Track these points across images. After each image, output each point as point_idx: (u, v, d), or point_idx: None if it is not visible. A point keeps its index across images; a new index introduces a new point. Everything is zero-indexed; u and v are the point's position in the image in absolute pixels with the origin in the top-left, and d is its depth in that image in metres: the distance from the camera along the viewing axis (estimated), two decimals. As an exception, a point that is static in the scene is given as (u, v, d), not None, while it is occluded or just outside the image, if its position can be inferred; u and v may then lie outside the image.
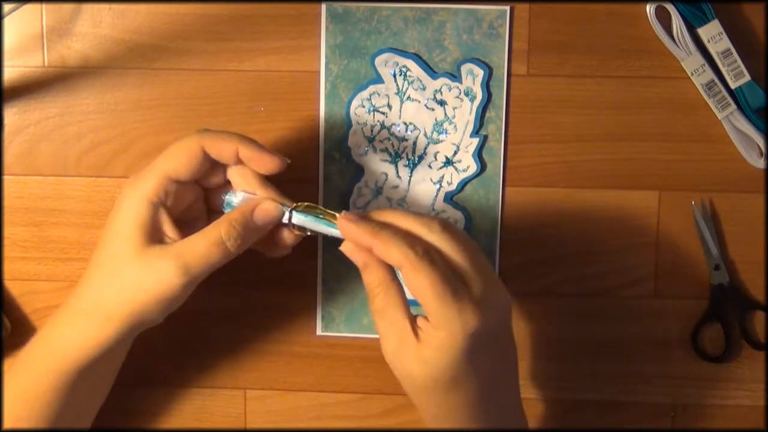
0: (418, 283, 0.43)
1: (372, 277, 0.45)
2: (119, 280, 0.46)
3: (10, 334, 0.58)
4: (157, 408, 0.59)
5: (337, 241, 0.47)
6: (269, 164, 0.48)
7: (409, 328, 0.44)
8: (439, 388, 0.45)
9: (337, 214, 0.47)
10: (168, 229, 0.47)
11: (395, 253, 0.43)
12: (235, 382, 0.59)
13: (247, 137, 0.48)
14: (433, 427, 0.48)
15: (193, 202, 0.50)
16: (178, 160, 0.47)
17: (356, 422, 0.59)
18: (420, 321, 0.45)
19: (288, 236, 0.49)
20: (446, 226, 0.45)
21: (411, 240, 0.44)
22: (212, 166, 0.49)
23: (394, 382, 0.58)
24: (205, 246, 0.46)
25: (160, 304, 0.46)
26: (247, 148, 0.47)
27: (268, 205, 0.48)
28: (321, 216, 0.48)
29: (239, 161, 0.48)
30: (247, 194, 0.49)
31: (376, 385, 0.59)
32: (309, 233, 0.49)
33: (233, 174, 0.50)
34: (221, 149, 0.48)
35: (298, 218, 0.48)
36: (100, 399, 0.52)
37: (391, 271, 0.45)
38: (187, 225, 0.49)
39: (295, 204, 0.49)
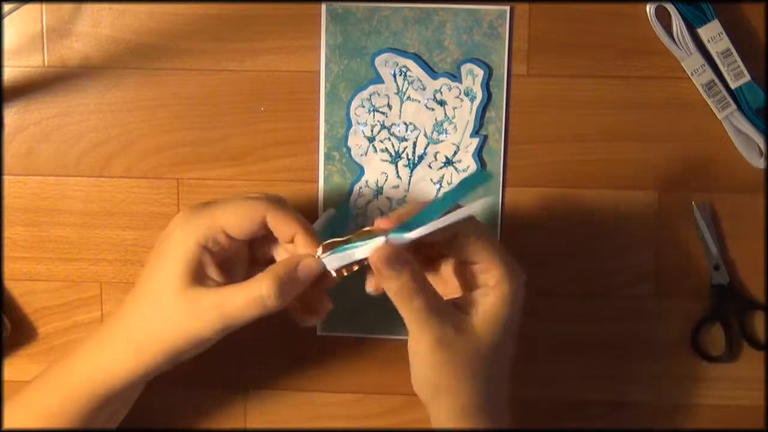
0: (489, 242, 0.46)
1: (408, 278, 0.45)
2: (160, 316, 0.47)
3: (10, 334, 0.58)
4: (156, 408, 0.58)
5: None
6: (306, 269, 0.47)
7: (457, 310, 0.47)
8: (491, 353, 0.46)
9: (368, 227, 0.46)
10: (212, 271, 0.48)
11: (470, 223, 0.46)
12: (236, 382, 0.59)
13: (309, 227, 0.47)
14: (443, 425, 0.48)
15: (238, 250, 0.49)
16: (237, 219, 0.47)
17: (356, 422, 0.59)
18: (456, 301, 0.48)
19: (331, 280, 0.48)
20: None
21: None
22: (268, 232, 0.48)
23: (394, 382, 0.59)
24: (246, 301, 0.46)
25: (194, 345, 0.48)
26: (303, 239, 0.47)
27: (309, 262, 0.47)
28: (352, 243, 0.46)
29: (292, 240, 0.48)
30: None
31: (376, 385, 0.59)
32: (356, 268, 0.47)
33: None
34: (281, 230, 0.47)
35: (331, 262, 0.46)
36: (115, 424, 0.53)
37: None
38: (228, 269, 0.49)
39: (320, 246, 0.46)
